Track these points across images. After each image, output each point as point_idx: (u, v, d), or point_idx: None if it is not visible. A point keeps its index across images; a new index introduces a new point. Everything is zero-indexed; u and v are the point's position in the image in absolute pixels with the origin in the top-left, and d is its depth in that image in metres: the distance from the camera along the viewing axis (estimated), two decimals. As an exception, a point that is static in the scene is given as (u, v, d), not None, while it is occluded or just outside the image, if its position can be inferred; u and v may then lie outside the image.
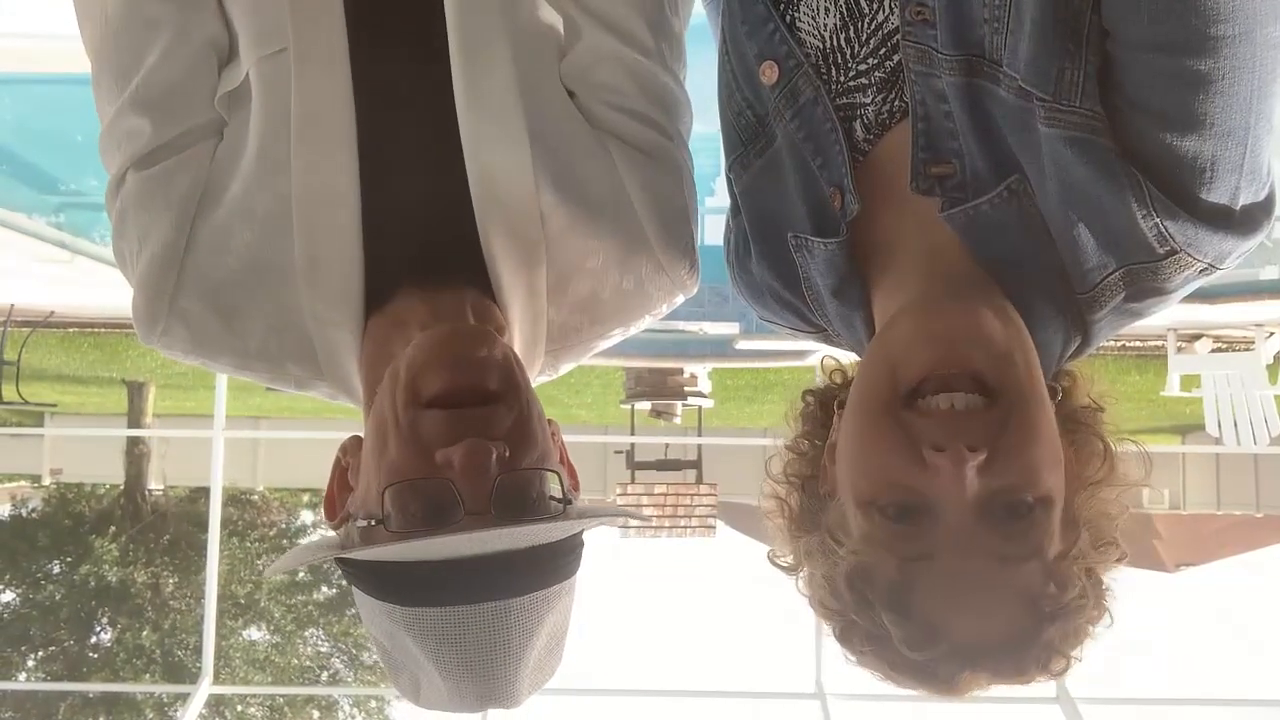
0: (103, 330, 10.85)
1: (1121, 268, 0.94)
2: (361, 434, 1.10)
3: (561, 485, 1.04)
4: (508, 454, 0.98)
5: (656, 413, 10.20)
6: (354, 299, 1.14)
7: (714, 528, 10.19)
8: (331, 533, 1.12)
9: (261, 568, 16.27)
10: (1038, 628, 0.91)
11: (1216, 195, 0.88)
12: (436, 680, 1.00)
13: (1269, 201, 0.93)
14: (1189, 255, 0.91)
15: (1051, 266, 0.98)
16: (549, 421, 1.09)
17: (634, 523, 9.47)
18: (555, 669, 1.07)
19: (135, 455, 15.80)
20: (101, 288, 6.39)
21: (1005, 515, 0.90)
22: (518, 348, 1.17)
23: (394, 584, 0.98)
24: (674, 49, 1.25)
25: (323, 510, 1.13)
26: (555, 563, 1.00)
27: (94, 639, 16.18)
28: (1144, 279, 0.94)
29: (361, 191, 1.13)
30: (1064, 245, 0.96)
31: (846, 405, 0.99)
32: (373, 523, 1.00)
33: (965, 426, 0.89)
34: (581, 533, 1.04)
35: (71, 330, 10.96)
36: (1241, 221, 0.91)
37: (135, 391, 13.80)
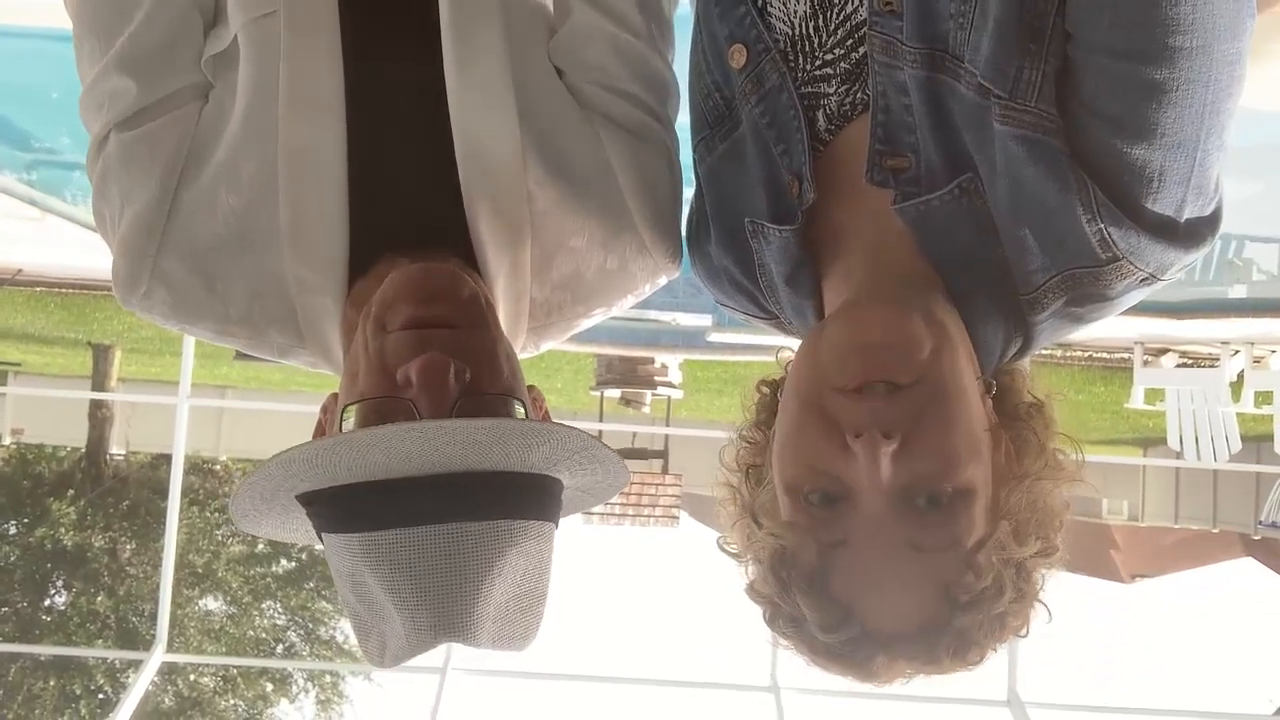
0: (70, 291, 10.75)
1: (1064, 271, 0.95)
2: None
3: (528, 417, 1.03)
4: (468, 376, 0.97)
5: (626, 401, 10.22)
6: (337, 266, 1.13)
7: (678, 518, 10.23)
8: None
9: (221, 538, 16.17)
10: (950, 615, 0.92)
11: (1162, 206, 0.89)
12: (395, 621, 0.96)
13: (1214, 217, 0.93)
14: (1130, 263, 0.92)
15: (996, 266, 0.99)
16: (531, 388, 1.09)
17: (597, 509, 9.47)
18: (530, 630, 1.03)
19: (98, 419, 15.65)
20: (71, 247, 6.33)
21: (924, 505, 0.91)
22: (501, 323, 1.16)
23: (351, 511, 0.94)
24: (663, 32, 1.25)
25: None
26: (518, 495, 0.96)
27: (48, 602, 16.07)
28: (1085, 284, 0.95)
29: (348, 158, 1.12)
30: (1010, 245, 0.97)
31: (782, 395, 1.00)
32: None
33: (882, 412, 0.90)
34: (557, 482, 1.01)
35: (39, 289, 10.86)
36: (1185, 234, 0.91)
37: (101, 354, 13.67)
